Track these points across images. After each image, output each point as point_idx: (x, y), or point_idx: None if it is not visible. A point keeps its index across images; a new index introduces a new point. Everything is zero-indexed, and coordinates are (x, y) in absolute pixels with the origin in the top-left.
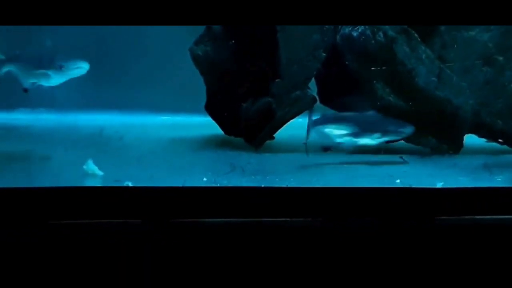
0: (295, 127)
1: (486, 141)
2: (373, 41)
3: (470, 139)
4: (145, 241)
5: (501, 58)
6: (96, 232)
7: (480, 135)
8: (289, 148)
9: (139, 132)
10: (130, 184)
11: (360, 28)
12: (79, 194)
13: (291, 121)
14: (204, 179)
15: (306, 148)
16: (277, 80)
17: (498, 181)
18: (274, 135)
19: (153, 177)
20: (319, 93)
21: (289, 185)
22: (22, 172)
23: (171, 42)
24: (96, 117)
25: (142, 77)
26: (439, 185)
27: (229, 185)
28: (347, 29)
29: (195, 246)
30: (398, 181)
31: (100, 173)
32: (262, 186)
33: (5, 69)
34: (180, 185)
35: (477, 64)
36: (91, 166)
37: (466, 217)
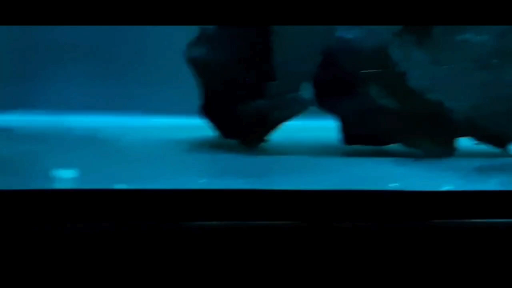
0: (290, 129)
1: (475, 143)
2: (367, 44)
3: (463, 142)
4: (138, 244)
5: (495, 61)
6: (88, 235)
7: (473, 138)
8: (283, 150)
9: (133, 134)
10: (123, 187)
11: (355, 31)
12: (69, 196)
13: (285, 123)
14: (199, 181)
15: None
16: (272, 82)
17: (491, 184)
18: (269, 137)
19: (146, 179)
20: (314, 95)
21: (283, 188)
22: (16, 175)
23: (166, 43)
24: (91, 119)
25: (137, 78)
26: (438, 188)
27: (224, 187)
28: (342, 32)
29: (188, 249)
30: (393, 184)
31: (89, 176)
32: (257, 188)
33: None
34: (174, 187)
35: (471, 67)
36: (72, 171)
37: (460, 220)
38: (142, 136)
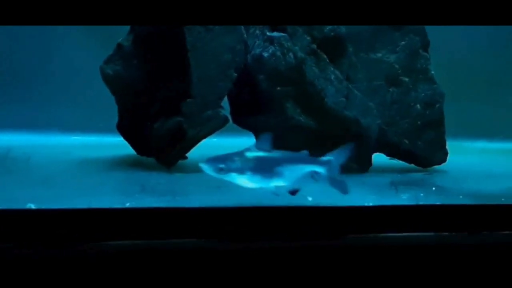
0: (209, 147)
1: (389, 159)
2: (283, 62)
3: (378, 158)
4: (49, 266)
5: (406, 79)
6: None
7: (387, 154)
8: (201, 168)
9: (48, 152)
10: (32, 206)
11: (271, 49)
12: None
13: (204, 140)
14: (114, 200)
15: None
16: (188, 99)
17: (403, 199)
18: (187, 155)
19: (58, 199)
20: (231, 112)
21: (198, 206)
22: None
23: (83, 59)
24: (2, 137)
25: (53, 95)
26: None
27: (137, 206)
28: (258, 50)
29: (101, 269)
30: (310, 199)
31: None
32: (170, 206)
33: None
34: (86, 206)
35: (383, 85)
36: None
37: (373, 235)
38: (60, 155)
